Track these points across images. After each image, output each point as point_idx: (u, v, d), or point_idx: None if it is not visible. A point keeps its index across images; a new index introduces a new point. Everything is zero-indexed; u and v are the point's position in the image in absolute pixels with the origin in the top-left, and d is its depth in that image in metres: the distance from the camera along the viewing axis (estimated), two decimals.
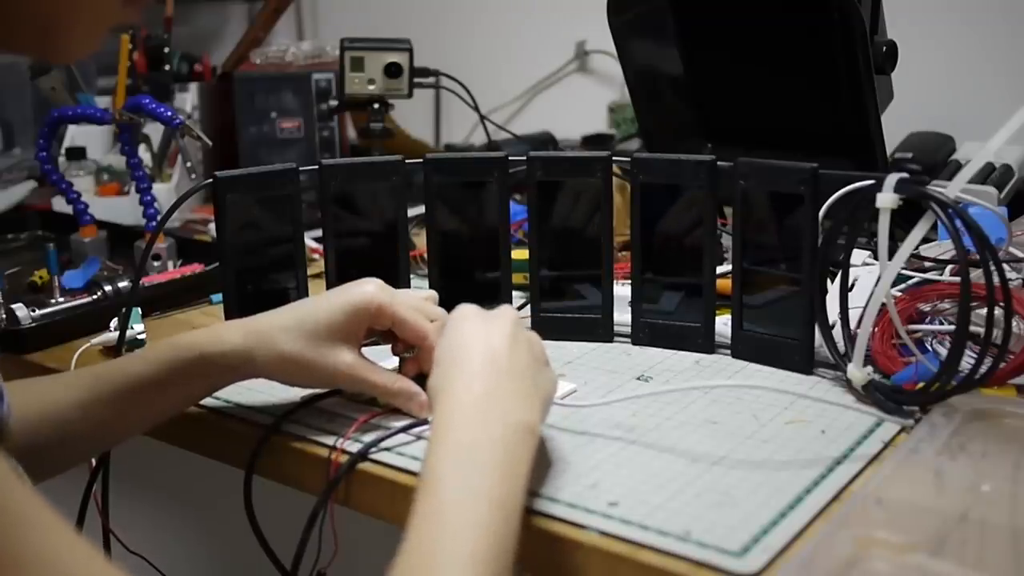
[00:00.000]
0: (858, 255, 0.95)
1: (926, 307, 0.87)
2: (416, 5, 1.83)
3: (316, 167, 0.92)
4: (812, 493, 0.66)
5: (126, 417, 0.76)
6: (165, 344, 0.76)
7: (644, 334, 0.93)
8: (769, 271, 0.88)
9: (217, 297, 1.07)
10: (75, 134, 1.50)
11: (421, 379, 0.78)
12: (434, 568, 0.53)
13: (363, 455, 0.73)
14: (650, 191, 0.91)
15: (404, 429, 0.75)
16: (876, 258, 0.86)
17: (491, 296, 0.95)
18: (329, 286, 0.94)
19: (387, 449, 0.73)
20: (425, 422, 0.76)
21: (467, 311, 0.70)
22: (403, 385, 0.77)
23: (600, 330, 0.94)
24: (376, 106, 1.33)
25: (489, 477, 0.58)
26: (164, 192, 1.36)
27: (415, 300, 0.79)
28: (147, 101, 1.12)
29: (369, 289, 0.76)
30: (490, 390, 0.63)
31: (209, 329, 0.76)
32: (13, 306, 0.97)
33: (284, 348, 0.74)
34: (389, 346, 0.80)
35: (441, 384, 0.65)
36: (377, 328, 0.78)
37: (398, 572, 0.53)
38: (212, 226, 1.18)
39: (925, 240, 0.78)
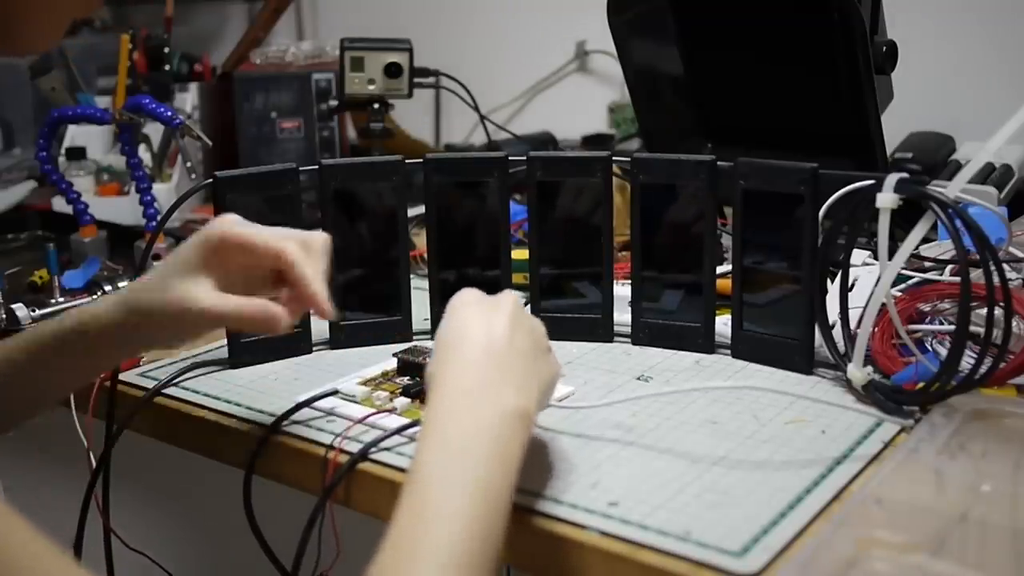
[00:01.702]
0: (858, 255, 0.95)
1: (926, 307, 0.87)
2: (416, 5, 1.83)
3: (316, 167, 0.92)
4: (812, 493, 0.66)
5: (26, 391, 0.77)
6: (53, 321, 0.76)
7: (644, 334, 0.93)
8: (769, 271, 0.88)
9: None
10: (75, 134, 1.50)
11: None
12: (415, 560, 0.53)
13: (362, 456, 0.72)
14: (650, 191, 0.91)
15: (400, 430, 0.75)
16: (876, 258, 0.86)
17: (491, 295, 0.95)
18: (329, 286, 0.94)
19: (387, 449, 0.73)
20: (417, 423, 0.75)
21: (468, 297, 0.69)
22: (255, 306, 0.71)
23: (600, 330, 0.94)
24: (376, 106, 1.33)
25: (477, 469, 0.57)
26: (164, 192, 1.36)
27: (277, 229, 0.74)
28: (147, 101, 1.12)
29: (218, 219, 0.73)
30: (484, 378, 0.62)
31: (95, 301, 0.76)
32: (13, 306, 0.97)
33: (144, 302, 0.72)
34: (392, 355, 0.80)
35: (436, 371, 0.64)
36: (239, 262, 0.72)
37: (380, 562, 0.53)
38: None
39: (925, 240, 0.78)
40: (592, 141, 1.59)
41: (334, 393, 0.81)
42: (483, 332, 0.65)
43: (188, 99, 1.53)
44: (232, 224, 0.72)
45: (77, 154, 1.44)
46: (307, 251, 0.73)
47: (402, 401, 0.79)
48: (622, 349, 0.93)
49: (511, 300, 0.69)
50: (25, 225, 1.39)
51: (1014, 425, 0.73)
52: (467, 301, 0.68)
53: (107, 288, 1.05)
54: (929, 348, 0.83)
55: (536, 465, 0.70)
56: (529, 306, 0.96)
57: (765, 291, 0.88)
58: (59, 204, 1.38)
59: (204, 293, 0.71)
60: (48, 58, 1.59)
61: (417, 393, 0.80)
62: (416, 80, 1.35)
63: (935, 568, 0.57)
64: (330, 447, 0.74)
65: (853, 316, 0.81)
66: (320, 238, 0.75)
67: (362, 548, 0.72)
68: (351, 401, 0.80)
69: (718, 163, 0.88)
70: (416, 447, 0.60)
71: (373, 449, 0.73)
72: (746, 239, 0.87)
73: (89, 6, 0.60)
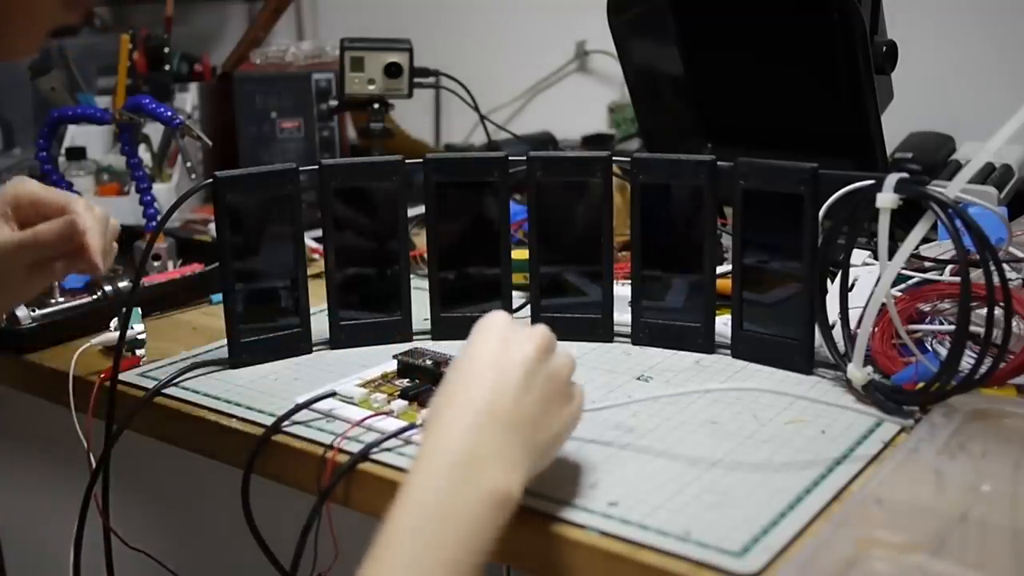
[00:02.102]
0: (858, 255, 0.95)
1: (926, 307, 0.87)
2: (416, 5, 1.83)
3: (316, 167, 0.92)
4: (812, 493, 0.66)
5: None
6: None
7: (644, 334, 0.93)
8: (769, 271, 0.88)
9: (217, 297, 1.07)
10: (75, 134, 1.50)
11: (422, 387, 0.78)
12: None
13: (359, 458, 0.72)
14: (650, 191, 0.91)
15: (397, 433, 0.75)
16: (876, 258, 0.86)
17: (491, 296, 0.95)
18: (329, 286, 0.94)
19: (388, 450, 0.73)
20: (413, 426, 0.75)
21: (495, 325, 0.66)
22: (43, 227, 0.84)
23: (600, 330, 0.94)
24: (376, 106, 1.33)
25: (447, 547, 0.56)
26: (164, 192, 1.36)
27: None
28: (147, 101, 1.12)
29: (13, 180, 0.86)
30: (476, 448, 0.59)
31: None
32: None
33: None
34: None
35: (436, 411, 0.62)
36: (34, 215, 0.85)
37: None
38: (212, 226, 1.18)
39: (925, 240, 0.78)
40: (592, 141, 1.59)
41: (332, 395, 0.81)
42: (491, 381, 0.62)
43: (188, 99, 1.53)
44: (24, 182, 0.85)
45: (77, 154, 1.44)
46: (91, 213, 0.84)
47: (399, 404, 0.79)
48: (622, 349, 0.93)
49: (537, 340, 0.65)
50: None
51: (1014, 425, 0.73)
52: (489, 336, 0.65)
53: (107, 288, 1.05)
54: (929, 348, 0.83)
55: None
56: (529, 306, 0.96)
57: (765, 291, 0.88)
58: None
59: (10, 234, 0.84)
60: (48, 58, 1.59)
61: (415, 396, 0.80)
62: (416, 80, 1.35)
63: (935, 568, 0.57)
64: (329, 447, 0.74)
65: (853, 316, 0.81)
66: (104, 211, 0.87)
67: (360, 549, 0.72)
68: (349, 403, 0.80)
69: (718, 163, 0.87)
70: (396, 498, 0.58)
71: (375, 449, 0.73)
72: (746, 239, 0.87)
73: (70, 14, 0.61)
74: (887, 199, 0.74)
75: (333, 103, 1.47)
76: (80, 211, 0.83)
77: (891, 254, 0.73)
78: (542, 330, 0.66)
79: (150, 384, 0.87)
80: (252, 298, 0.92)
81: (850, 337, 0.81)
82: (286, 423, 0.78)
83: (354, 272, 0.95)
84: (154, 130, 1.39)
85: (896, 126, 1.17)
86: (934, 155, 1.20)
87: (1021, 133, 0.72)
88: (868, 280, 0.92)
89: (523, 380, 0.63)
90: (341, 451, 0.74)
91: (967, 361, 0.73)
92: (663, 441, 0.74)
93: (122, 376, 0.88)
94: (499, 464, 0.60)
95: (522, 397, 0.62)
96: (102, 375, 0.88)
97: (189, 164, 1.14)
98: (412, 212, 0.99)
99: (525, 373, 0.63)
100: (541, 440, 0.63)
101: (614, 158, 0.92)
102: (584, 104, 1.69)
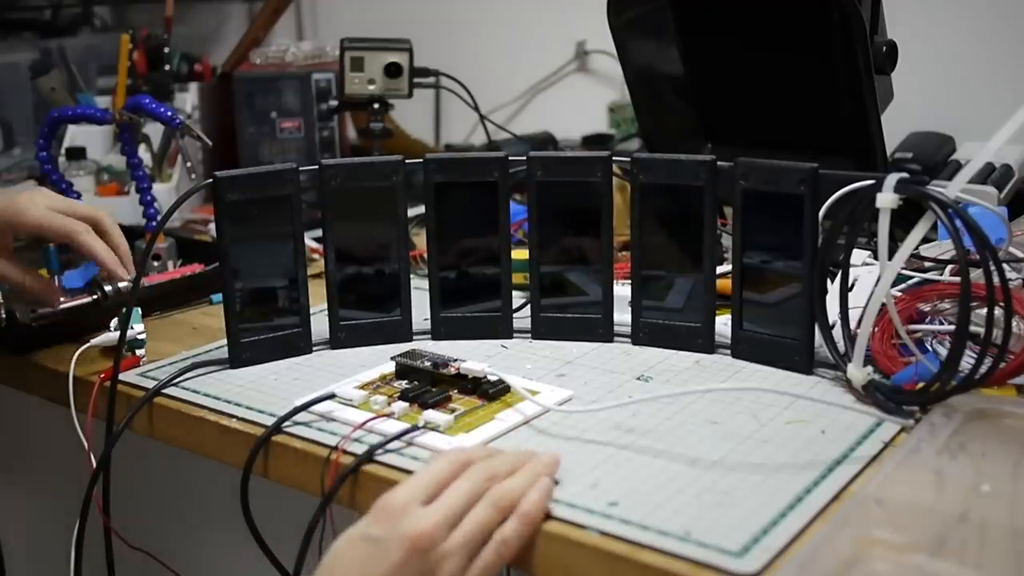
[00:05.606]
0: (858, 255, 0.95)
1: (926, 307, 0.87)
2: (416, 5, 1.83)
3: (316, 167, 0.92)
4: (812, 493, 0.66)
5: None
6: None
7: (644, 334, 0.93)
8: (769, 271, 0.88)
9: (217, 297, 1.07)
10: (75, 134, 1.50)
11: None
12: None
13: (363, 461, 0.72)
14: (650, 191, 0.91)
15: (399, 435, 0.75)
16: (876, 258, 0.86)
17: (491, 296, 0.95)
18: (329, 286, 0.94)
19: (392, 451, 0.73)
20: (415, 428, 0.75)
21: (380, 511, 0.61)
22: (31, 280, 0.93)
23: (600, 330, 0.94)
24: (376, 106, 1.33)
25: None
26: (164, 192, 1.36)
27: (62, 203, 0.92)
28: (147, 101, 1.12)
29: (25, 196, 0.91)
30: None
31: None
32: (13, 306, 0.96)
33: None
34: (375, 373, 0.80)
35: None
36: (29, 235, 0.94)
37: None
38: (212, 226, 1.18)
39: (925, 240, 0.78)
40: (592, 141, 1.59)
41: (331, 397, 0.81)
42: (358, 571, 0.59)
43: (188, 99, 1.53)
44: (27, 212, 0.90)
45: (77, 154, 1.44)
46: (99, 231, 0.92)
47: (400, 405, 0.79)
48: (622, 349, 0.93)
49: (403, 553, 0.59)
50: None
51: (1014, 425, 0.73)
52: (372, 523, 0.61)
53: (107, 288, 1.04)
54: (929, 348, 0.83)
55: None
56: (530, 306, 0.96)
57: (765, 291, 0.88)
58: None
59: None
60: (48, 58, 1.59)
61: (416, 398, 0.80)
62: (416, 80, 1.35)
63: (935, 568, 0.57)
64: (333, 449, 0.74)
65: (853, 316, 0.81)
66: (105, 215, 0.93)
67: None
68: (349, 405, 0.80)
69: (718, 163, 0.87)
70: None
71: (379, 452, 0.73)
72: (746, 239, 0.87)
73: None
74: (887, 199, 0.74)
75: (333, 103, 1.47)
76: (85, 244, 0.90)
77: (891, 254, 0.73)
78: (423, 531, 0.60)
79: (150, 384, 0.87)
80: (252, 298, 0.92)
81: (850, 337, 0.81)
82: (286, 424, 0.78)
83: (354, 272, 0.95)
84: (154, 130, 1.39)
85: (896, 126, 1.17)
86: (934, 155, 1.20)
87: (1021, 133, 0.72)
88: (868, 280, 0.92)
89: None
90: (345, 452, 0.74)
91: (967, 361, 0.73)
92: (663, 441, 0.74)
93: (122, 376, 0.88)
94: None
95: None
96: (102, 375, 0.88)
97: (189, 164, 1.14)
98: (412, 212, 0.99)
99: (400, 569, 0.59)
100: None
101: (614, 158, 0.92)
102: (584, 104, 1.69)
